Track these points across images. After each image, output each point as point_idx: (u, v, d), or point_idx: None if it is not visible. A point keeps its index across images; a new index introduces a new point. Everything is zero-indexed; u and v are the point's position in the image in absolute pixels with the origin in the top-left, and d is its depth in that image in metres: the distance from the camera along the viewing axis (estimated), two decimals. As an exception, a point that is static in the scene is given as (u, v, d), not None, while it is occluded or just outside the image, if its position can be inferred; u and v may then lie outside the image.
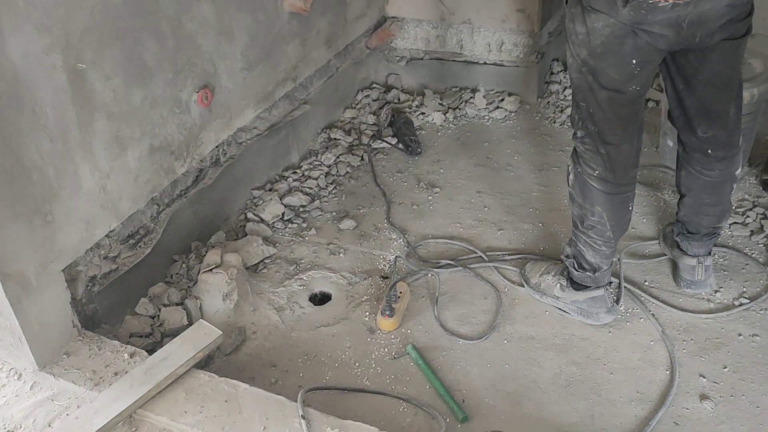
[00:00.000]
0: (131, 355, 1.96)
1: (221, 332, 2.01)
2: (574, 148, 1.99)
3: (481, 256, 2.43)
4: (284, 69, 2.75)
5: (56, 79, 1.82)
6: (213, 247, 2.43)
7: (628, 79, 1.80)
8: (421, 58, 3.37)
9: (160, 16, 2.11)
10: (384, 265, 2.44)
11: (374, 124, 3.20)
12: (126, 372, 1.89)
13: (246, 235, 2.56)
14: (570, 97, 3.18)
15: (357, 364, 2.09)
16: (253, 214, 2.65)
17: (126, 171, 2.10)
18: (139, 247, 2.24)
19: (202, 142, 2.41)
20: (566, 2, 1.84)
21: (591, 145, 1.92)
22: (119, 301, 2.19)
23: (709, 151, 1.99)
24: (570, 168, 2.02)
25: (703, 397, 1.91)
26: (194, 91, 2.30)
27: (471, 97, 3.30)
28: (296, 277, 2.40)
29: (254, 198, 2.73)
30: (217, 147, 2.49)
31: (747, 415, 1.85)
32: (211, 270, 2.21)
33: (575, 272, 2.11)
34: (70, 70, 1.85)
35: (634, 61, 1.77)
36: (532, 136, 3.07)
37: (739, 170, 2.05)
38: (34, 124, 1.79)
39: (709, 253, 2.20)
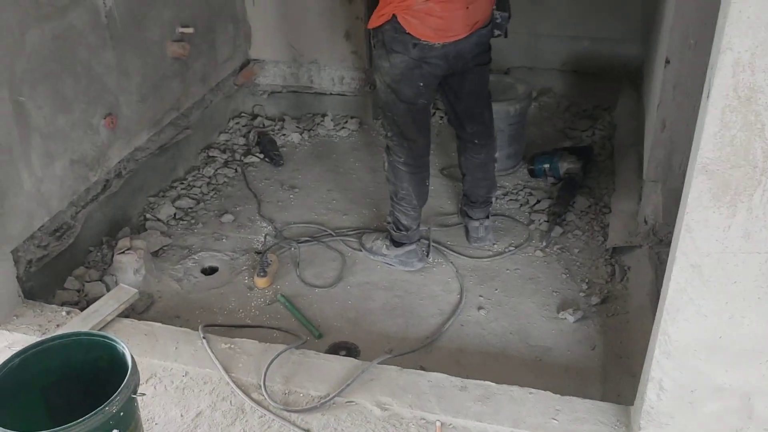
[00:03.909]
0: (68, 313, 2.60)
1: (137, 290, 2.69)
2: (386, 145, 2.87)
3: (330, 233, 3.26)
4: (170, 101, 3.49)
5: (3, 108, 2.48)
6: (122, 238, 3.10)
7: (418, 96, 2.70)
8: (280, 91, 4.20)
9: (75, 61, 2.81)
10: (258, 246, 3.21)
11: (245, 144, 3.98)
12: (65, 324, 2.54)
13: (146, 230, 3.25)
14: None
15: (241, 311, 2.84)
16: (151, 215, 3.34)
17: (54, 178, 2.76)
18: (63, 238, 2.88)
19: (109, 158, 3.09)
20: (374, 47, 2.72)
21: (397, 141, 2.80)
22: (49, 281, 2.81)
23: (476, 141, 2.94)
24: (385, 158, 2.90)
25: (480, 307, 2.81)
26: (102, 117, 2.99)
27: (321, 121, 4.16)
28: (189, 257, 3.12)
29: (150, 203, 3.42)
30: (119, 162, 3.18)
31: (507, 316, 2.77)
32: (123, 252, 2.89)
33: (394, 233, 2.98)
34: (13, 102, 2.52)
35: (421, 84, 2.67)
36: (369, 148, 3.97)
37: (497, 154, 3.02)
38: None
39: (488, 217, 3.14)
